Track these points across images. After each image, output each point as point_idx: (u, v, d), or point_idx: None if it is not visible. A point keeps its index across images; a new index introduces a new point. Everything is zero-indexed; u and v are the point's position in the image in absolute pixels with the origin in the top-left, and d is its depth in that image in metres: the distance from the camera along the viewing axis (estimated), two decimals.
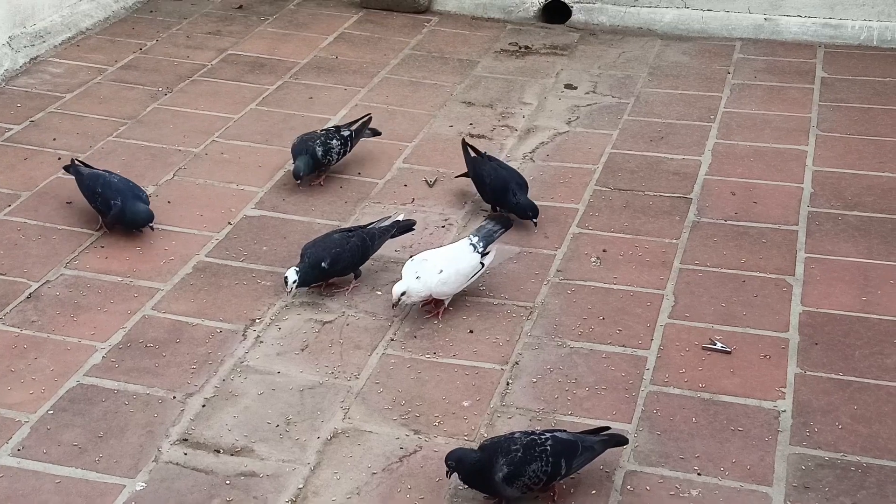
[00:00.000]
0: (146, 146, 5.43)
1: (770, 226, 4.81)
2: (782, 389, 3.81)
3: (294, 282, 4.12)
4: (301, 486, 3.38)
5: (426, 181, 5.17)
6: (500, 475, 3.19)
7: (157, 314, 4.17)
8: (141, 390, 3.76)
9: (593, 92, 6.12)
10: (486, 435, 3.57)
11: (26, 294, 4.25)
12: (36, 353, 3.93)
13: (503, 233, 4.31)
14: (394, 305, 4.05)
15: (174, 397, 3.73)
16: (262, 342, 4.03)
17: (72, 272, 4.40)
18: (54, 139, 5.46)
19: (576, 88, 6.16)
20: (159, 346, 3.99)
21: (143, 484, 3.36)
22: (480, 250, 4.15)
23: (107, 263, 4.44)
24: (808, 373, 3.89)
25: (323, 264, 4.16)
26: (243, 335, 4.06)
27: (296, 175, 4.90)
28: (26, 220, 4.74)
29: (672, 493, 3.37)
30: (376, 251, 4.39)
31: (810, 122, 5.77)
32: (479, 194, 4.89)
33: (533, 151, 5.47)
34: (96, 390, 3.76)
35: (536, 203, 4.77)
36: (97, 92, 6.00)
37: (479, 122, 5.75)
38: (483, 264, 4.16)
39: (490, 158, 4.93)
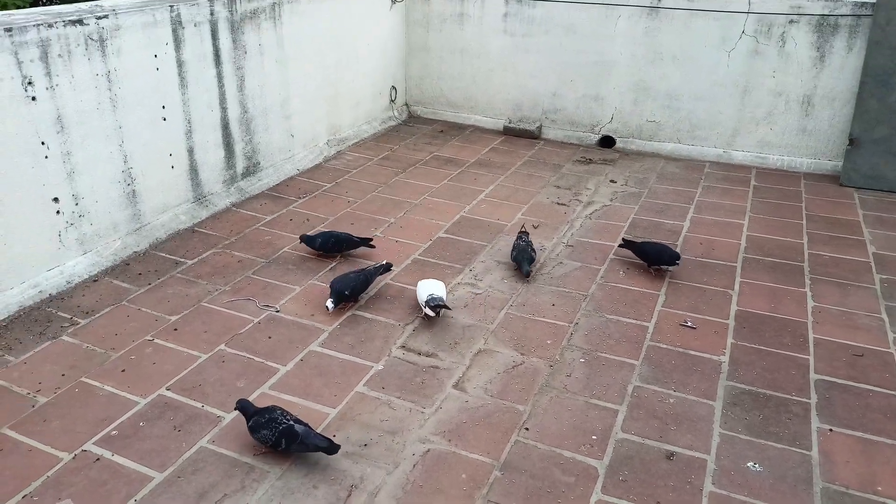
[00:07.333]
0: (390, 198, 5.57)
1: (721, 262, 4.65)
2: (724, 350, 3.70)
3: (330, 308, 3.84)
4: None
5: (532, 225, 5.16)
6: (249, 424, 2.80)
7: (392, 282, 4.27)
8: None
9: (625, 185, 6.00)
10: (560, 360, 3.56)
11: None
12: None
13: (442, 307, 3.77)
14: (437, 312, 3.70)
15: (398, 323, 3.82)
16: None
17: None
18: (346, 192, 5.66)
19: (615, 182, 6.06)
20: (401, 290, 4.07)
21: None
22: (426, 301, 3.75)
23: (373, 252, 4.54)
24: (739, 343, 3.77)
25: (346, 292, 3.87)
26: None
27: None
28: (333, 229, 4.88)
29: (659, 399, 3.30)
30: (372, 283, 4.03)
31: (746, 208, 5.54)
32: (640, 259, 4.47)
33: (590, 214, 5.39)
34: None
35: (617, 245, 4.65)
36: (368, 170, 6.16)
37: (562, 197, 5.71)
38: (428, 309, 3.74)
39: (638, 240, 4.65)
